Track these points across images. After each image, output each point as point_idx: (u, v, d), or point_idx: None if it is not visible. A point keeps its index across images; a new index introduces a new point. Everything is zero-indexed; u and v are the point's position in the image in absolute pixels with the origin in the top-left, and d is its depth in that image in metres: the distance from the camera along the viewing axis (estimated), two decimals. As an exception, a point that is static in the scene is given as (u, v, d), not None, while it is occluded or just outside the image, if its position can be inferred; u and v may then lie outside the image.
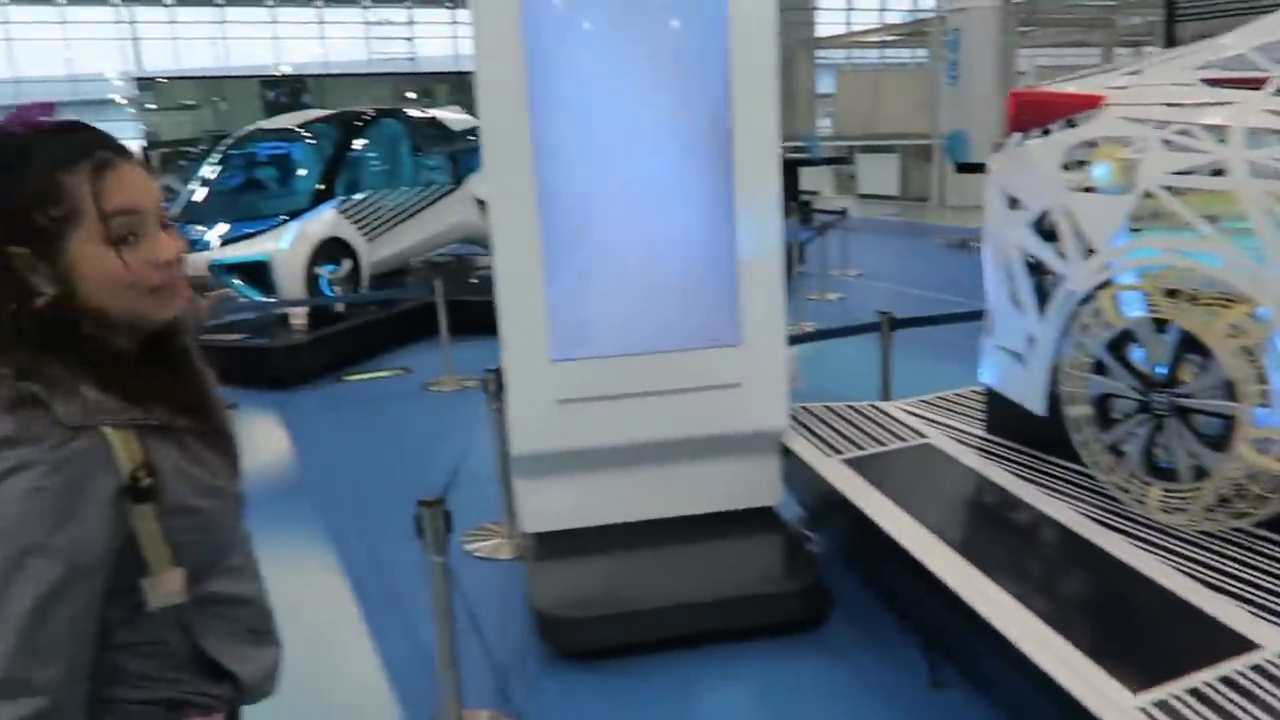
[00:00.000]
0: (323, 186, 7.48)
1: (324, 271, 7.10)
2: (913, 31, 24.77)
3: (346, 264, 7.29)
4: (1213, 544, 2.50)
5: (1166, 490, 2.60)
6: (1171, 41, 8.66)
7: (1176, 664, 1.99)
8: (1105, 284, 2.70)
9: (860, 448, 3.43)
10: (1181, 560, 2.43)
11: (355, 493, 4.61)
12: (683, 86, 3.02)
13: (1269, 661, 1.99)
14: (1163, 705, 1.87)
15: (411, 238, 8.20)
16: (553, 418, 3.14)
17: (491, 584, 3.55)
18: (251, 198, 7.94)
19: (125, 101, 27.82)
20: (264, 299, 6.93)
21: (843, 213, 9.94)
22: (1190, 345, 2.51)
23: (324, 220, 7.23)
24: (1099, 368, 2.76)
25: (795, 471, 3.45)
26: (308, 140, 8.14)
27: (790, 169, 11.63)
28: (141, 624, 1.10)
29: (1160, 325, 2.57)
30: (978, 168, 13.42)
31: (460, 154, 9.01)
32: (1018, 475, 3.06)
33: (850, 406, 3.95)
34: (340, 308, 7.27)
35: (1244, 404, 2.37)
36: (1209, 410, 2.49)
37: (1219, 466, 2.46)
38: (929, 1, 35.19)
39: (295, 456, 5.28)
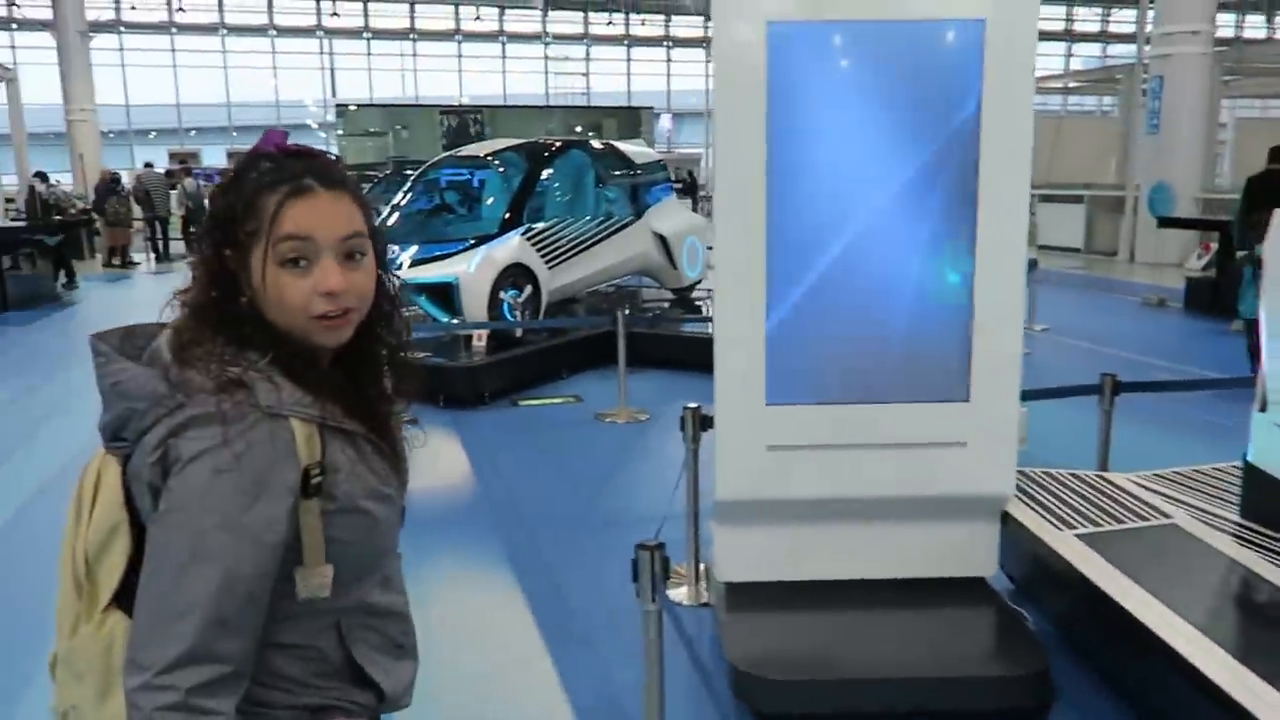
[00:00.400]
0: (510, 214, 7.65)
1: (507, 296, 7.24)
2: (1101, 78, 23.57)
3: (528, 290, 7.42)
4: None
5: None
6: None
7: None
8: None
9: (1095, 523, 3.11)
10: None
11: (533, 520, 4.59)
12: (927, 126, 2.84)
13: None
14: None
15: (590, 267, 8.28)
16: (762, 464, 2.98)
17: (676, 630, 3.41)
18: (441, 221, 8.23)
19: (316, 126, 29.91)
20: (448, 320, 7.12)
21: (1033, 265, 9.40)
22: None
23: (510, 246, 7.39)
24: None
25: (1015, 542, 3.17)
26: (497, 168, 8.38)
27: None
28: (303, 623, 1.15)
29: None
30: (1181, 223, 12.52)
31: (641, 187, 9.08)
32: (1292, 572, 2.68)
33: (1074, 474, 3.62)
34: (518, 333, 7.39)
35: None
36: None
37: None
38: (1120, 48, 33.54)
39: (473, 478, 5.33)
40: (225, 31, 28.64)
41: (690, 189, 21.72)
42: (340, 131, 26.66)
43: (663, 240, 9.06)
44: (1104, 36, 34.46)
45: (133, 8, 27.39)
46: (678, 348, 7.70)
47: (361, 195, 1.18)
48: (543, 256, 7.69)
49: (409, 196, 8.48)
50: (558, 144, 8.90)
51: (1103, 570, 2.74)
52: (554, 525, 4.50)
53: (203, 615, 1.03)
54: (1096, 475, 3.63)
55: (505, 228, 7.54)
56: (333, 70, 30.02)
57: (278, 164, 1.14)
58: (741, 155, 2.84)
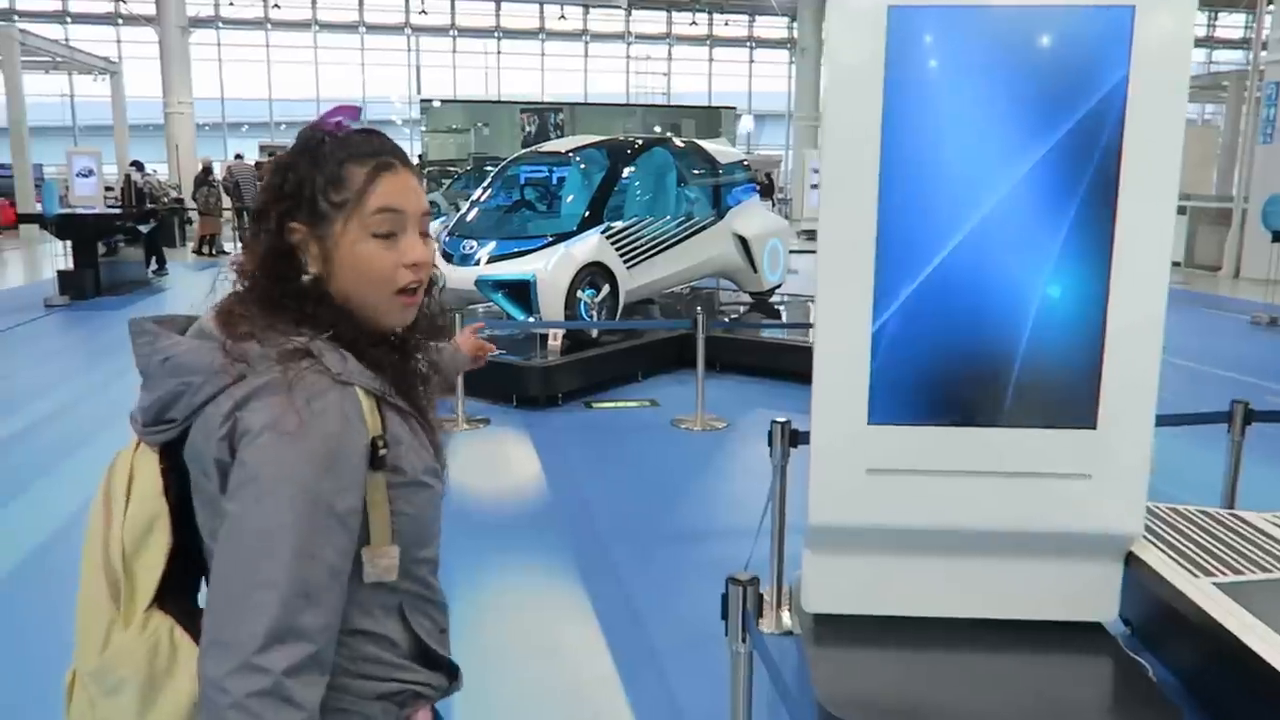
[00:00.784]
0: (589, 212, 7.49)
1: (584, 296, 7.07)
2: (1208, 85, 22.45)
3: (605, 290, 7.24)
4: None
5: None
6: None
7: None
8: None
9: (1234, 569, 2.78)
10: None
11: (606, 530, 4.40)
12: (1061, 122, 2.56)
13: None
14: None
15: (669, 269, 8.07)
16: (862, 488, 2.73)
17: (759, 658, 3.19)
18: (520, 218, 8.12)
19: (401, 122, 30.37)
20: (524, 318, 6.99)
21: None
22: None
23: (588, 245, 7.22)
24: None
25: (1140, 586, 2.85)
26: (578, 165, 8.23)
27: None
28: (372, 608, 1.12)
29: None
30: (1301, 237, 11.73)
31: (724, 187, 8.84)
32: None
33: (1203, 512, 3.27)
34: (594, 333, 7.23)
35: None
36: None
37: None
38: (1226, 54, 31.98)
39: (545, 482, 5.17)
40: (317, 27, 29.25)
41: (768, 190, 21.39)
42: (424, 127, 27.04)
43: (744, 242, 8.81)
44: (1209, 42, 32.91)
45: (231, 3, 28.16)
46: (757, 353, 7.45)
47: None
48: (621, 256, 7.51)
49: (489, 192, 8.39)
50: (640, 141, 8.72)
51: (1249, 626, 2.42)
52: (628, 537, 4.31)
53: (287, 586, 0.99)
54: (1230, 514, 3.28)
55: (585, 226, 7.38)
56: (419, 67, 30.44)
57: (356, 138, 1.15)
58: (852, 149, 2.60)
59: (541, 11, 30.30)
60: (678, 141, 9.37)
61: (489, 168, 12.16)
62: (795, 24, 29.88)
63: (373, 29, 29.60)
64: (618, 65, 31.69)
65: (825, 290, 2.74)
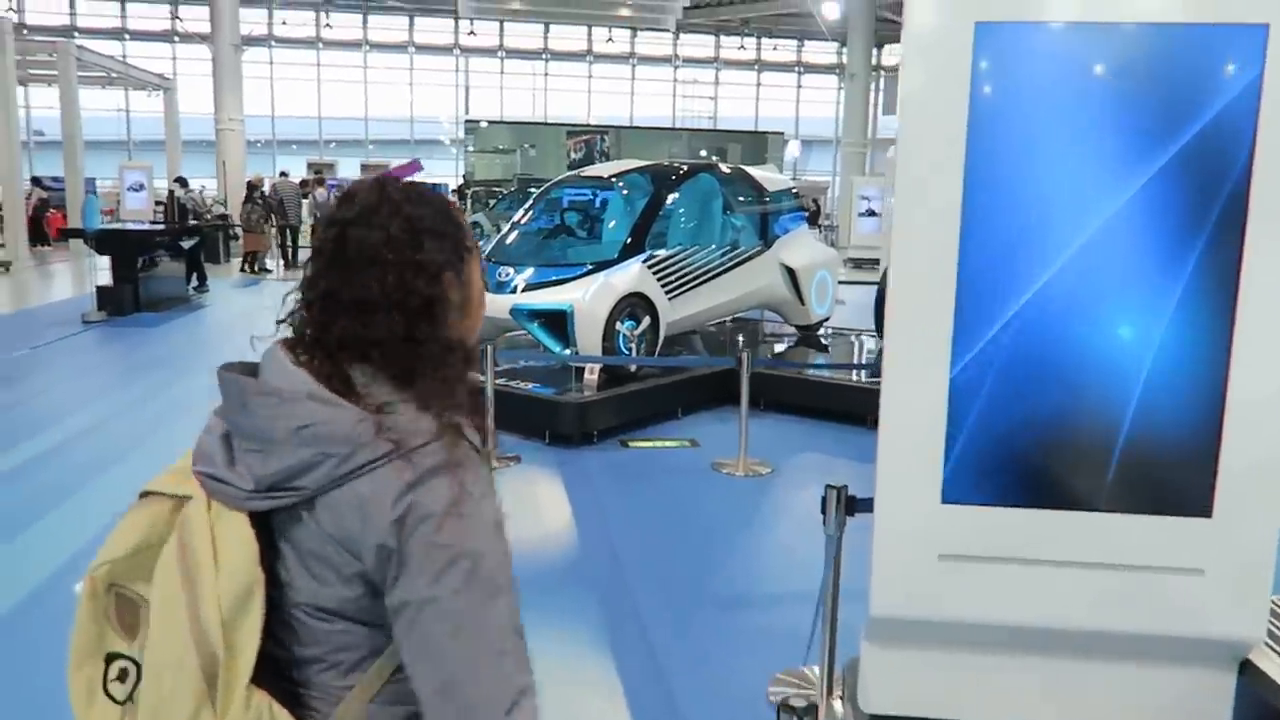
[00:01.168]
0: (631, 239, 7.20)
1: (623, 327, 6.76)
2: None
3: (646, 322, 6.92)
4: None
5: None
6: None
7: None
8: None
9: (1374, 687, 2.36)
10: None
11: (639, 587, 4.06)
12: (1176, 157, 2.20)
13: None
14: None
15: (712, 300, 7.74)
16: (933, 576, 2.37)
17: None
18: (560, 244, 7.85)
19: (449, 143, 30.51)
20: (560, 349, 6.69)
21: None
22: None
23: (629, 274, 6.91)
24: None
25: (1257, 699, 2.45)
26: (621, 190, 7.96)
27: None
28: None
29: None
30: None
31: (771, 215, 8.50)
32: None
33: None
34: (633, 366, 6.90)
35: None
36: None
37: None
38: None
39: (575, 529, 4.84)
40: (368, 47, 29.54)
41: (814, 217, 21.02)
42: (470, 148, 27.11)
43: (791, 273, 8.45)
44: None
45: (284, 23, 28.55)
46: (804, 392, 7.07)
47: None
48: (663, 286, 7.18)
49: (529, 215, 8.14)
50: (685, 167, 8.42)
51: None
52: (662, 598, 3.95)
53: (516, 648, 1.05)
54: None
55: (626, 254, 7.07)
56: (467, 88, 30.59)
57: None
58: (932, 178, 2.25)
59: (589, 34, 30.32)
60: (724, 167, 9.07)
61: (533, 189, 11.96)
62: (845, 49, 29.55)
63: (422, 49, 29.82)
64: (664, 89, 31.59)
65: (895, 342, 2.39)
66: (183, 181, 16.21)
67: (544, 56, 30.68)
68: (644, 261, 7.07)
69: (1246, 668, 2.44)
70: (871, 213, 20.19)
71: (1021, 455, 2.33)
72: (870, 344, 8.67)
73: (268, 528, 1.08)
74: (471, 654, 1.02)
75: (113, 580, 1.14)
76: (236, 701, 1.03)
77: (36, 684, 2.92)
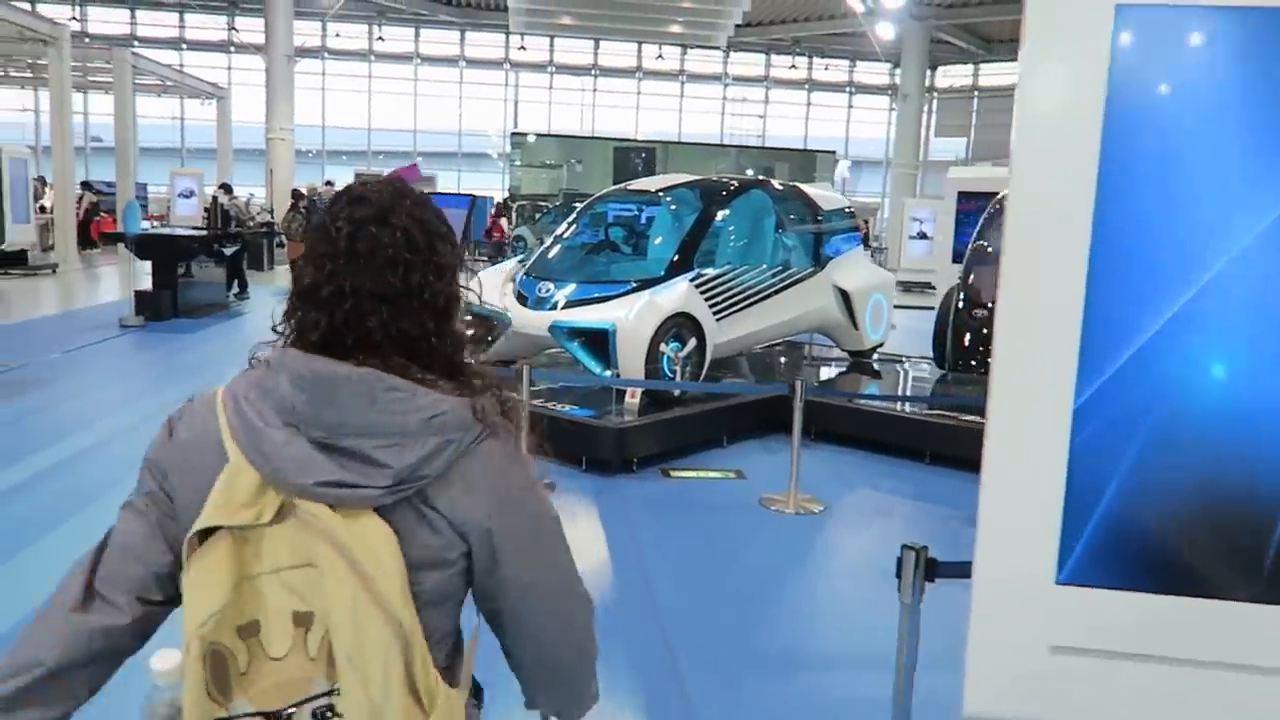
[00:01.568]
0: (678, 256, 6.84)
1: (668, 349, 6.38)
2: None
3: (691, 344, 6.54)
4: None
5: None
6: None
7: None
8: None
9: None
10: None
11: (679, 641, 3.66)
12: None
13: None
14: None
15: (762, 322, 7.34)
16: (1043, 672, 1.95)
17: None
18: (604, 260, 7.52)
19: (496, 156, 30.52)
20: (601, 370, 6.33)
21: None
22: None
23: (676, 293, 6.54)
24: None
25: None
26: (669, 205, 7.61)
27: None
28: None
29: None
30: None
31: (825, 235, 8.10)
32: None
33: None
34: (676, 393, 6.52)
35: None
36: None
37: None
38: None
39: (610, 570, 4.47)
40: (419, 60, 29.69)
41: (863, 240, 20.55)
42: (515, 161, 27.04)
43: (845, 296, 8.03)
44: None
45: (337, 35, 28.80)
46: (858, 421, 6.64)
47: None
48: (711, 307, 6.80)
49: (572, 229, 7.82)
50: (736, 183, 8.06)
51: None
52: (704, 653, 3.56)
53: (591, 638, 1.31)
54: None
55: (672, 272, 6.71)
56: (516, 102, 30.61)
57: None
58: (1056, 188, 1.86)
59: (639, 51, 30.19)
60: (777, 184, 8.68)
61: (577, 204, 11.69)
62: (898, 70, 29.08)
63: (473, 63, 29.91)
64: (713, 106, 31.33)
65: (1002, 384, 1.98)
66: (226, 188, 16.22)
67: (593, 72, 30.60)
68: (691, 280, 6.70)
69: None
70: (923, 235, 19.70)
71: (1158, 528, 1.91)
72: (923, 371, 8.23)
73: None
74: (568, 579, 1.25)
75: (212, 638, 1.07)
76: (439, 691, 1.09)
77: None
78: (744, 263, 7.30)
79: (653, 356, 6.26)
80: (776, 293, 7.43)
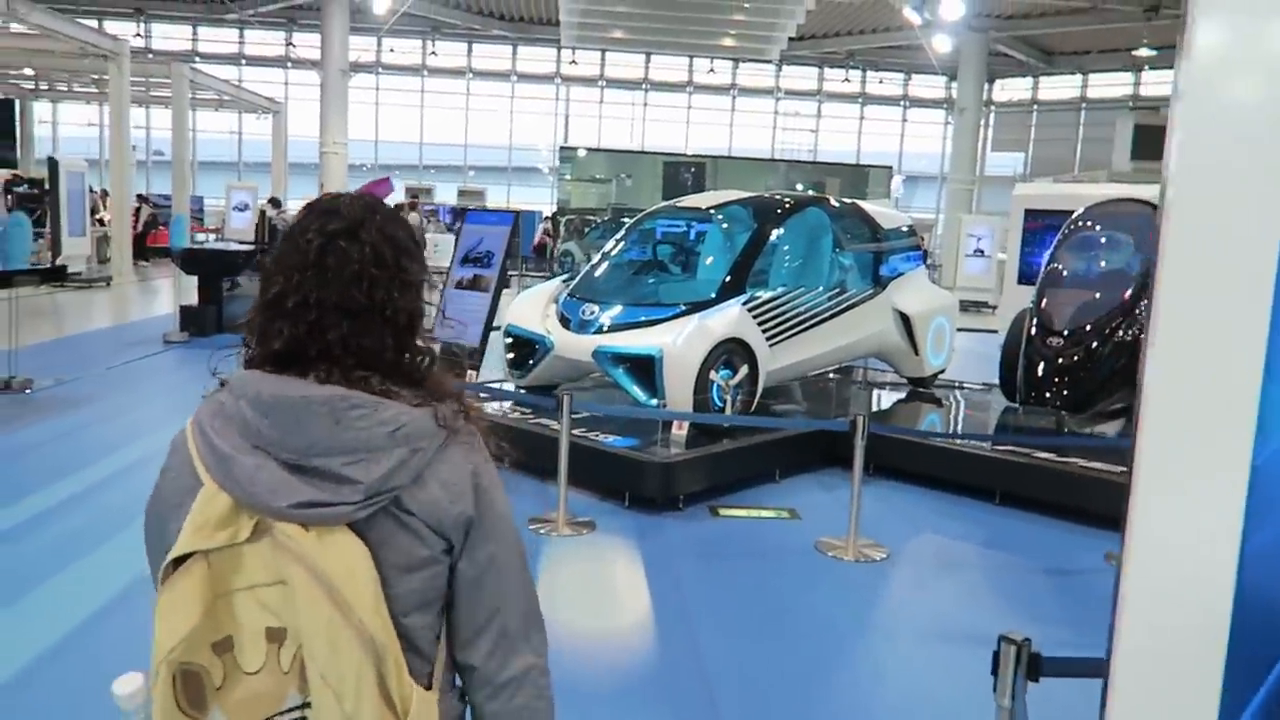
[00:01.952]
0: (730, 278, 6.47)
1: (718, 377, 6.01)
2: None
3: (743, 371, 6.16)
4: None
5: None
6: None
7: None
8: None
9: None
10: None
11: (727, 706, 3.28)
12: None
13: None
14: None
15: (818, 348, 6.93)
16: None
17: None
18: (651, 282, 7.17)
19: (546, 170, 30.46)
20: (646, 399, 5.98)
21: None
22: None
23: (727, 317, 6.17)
24: None
25: None
26: (720, 224, 7.26)
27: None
28: None
29: None
30: None
31: (885, 255, 7.67)
32: None
33: None
34: (726, 424, 6.13)
35: None
36: None
37: None
38: None
39: (652, 620, 4.11)
40: (471, 75, 29.78)
41: (918, 256, 19.94)
42: (564, 175, 26.91)
43: (905, 320, 7.59)
44: None
45: (391, 50, 29.02)
46: (919, 457, 6.19)
47: None
48: (764, 331, 6.42)
49: (619, 246, 7.50)
50: (791, 200, 7.67)
51: None
52: (751, 719, 3.18)
53: (538, 607, 1.26)
54: None
55: (724, 294, 6.35)
56: (567, 117, 30.54)
57: None
58: (1229, 203, 1.46)
59: (690, 65, 29.95)
60: (834, 201, 8.28)
61: (626, 219, 11.40)
62: (954, 84, 28.42)
63: (524, 78, 29.92)
64: (764, 120, 30.93)
65: (1151, 433, 1.58)
66: (275, 202, 16.22)
67: (644, 87, 30.42)
68: (744, 304, 6.33)
69: None
70: (980, 253, 19.09)
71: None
72: (987, 399, 7.74)
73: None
74: (521, 601, 1.24)
75: (183, 659, 1.09)
76: (412, 697, 1.11)
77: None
78: (799, 284, 6.91)
79: (702, 385, 5.89)
80: (833, 316, 7.02)
